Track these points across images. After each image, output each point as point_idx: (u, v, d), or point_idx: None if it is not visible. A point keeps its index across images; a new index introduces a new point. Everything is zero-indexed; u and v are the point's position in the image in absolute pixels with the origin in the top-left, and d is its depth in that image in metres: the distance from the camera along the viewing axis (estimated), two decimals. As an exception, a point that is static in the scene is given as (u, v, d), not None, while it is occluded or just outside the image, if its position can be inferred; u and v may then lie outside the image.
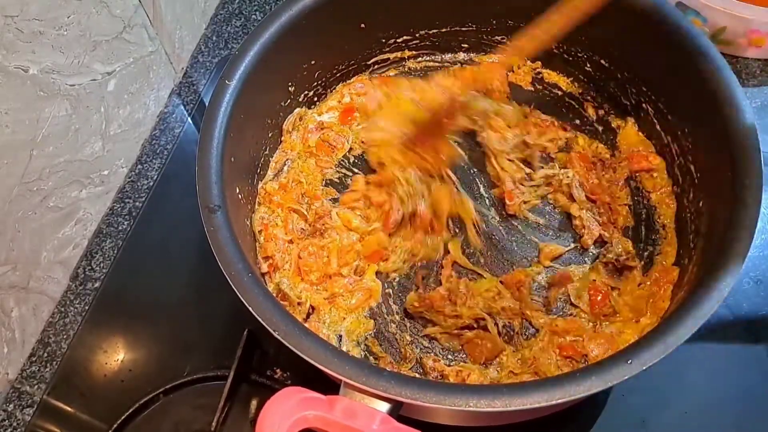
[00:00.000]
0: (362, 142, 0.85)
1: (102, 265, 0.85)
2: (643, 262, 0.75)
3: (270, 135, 0.81)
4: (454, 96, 0.76)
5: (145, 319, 0.80)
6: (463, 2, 0.85)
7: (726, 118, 0.65)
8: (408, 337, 0.73)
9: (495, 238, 0.79)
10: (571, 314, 0.74)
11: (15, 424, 0.75)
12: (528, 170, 0.82)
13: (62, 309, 0.82)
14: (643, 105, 0.81)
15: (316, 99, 0.87)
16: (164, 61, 0.95)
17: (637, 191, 0.81)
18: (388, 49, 0.89)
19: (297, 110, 0.84)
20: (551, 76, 0.90)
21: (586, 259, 0.78)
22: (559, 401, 0.51)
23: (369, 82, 0.89)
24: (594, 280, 0.74)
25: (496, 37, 0.89)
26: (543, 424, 0.66)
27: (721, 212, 0.64)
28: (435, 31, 0.88)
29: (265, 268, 0.74)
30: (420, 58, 0.91)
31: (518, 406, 0.51)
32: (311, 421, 0.52)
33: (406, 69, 0.92)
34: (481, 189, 0.83)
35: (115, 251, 0.86)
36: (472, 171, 0.84)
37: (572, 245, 0.78)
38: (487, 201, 0.82)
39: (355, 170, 0.84)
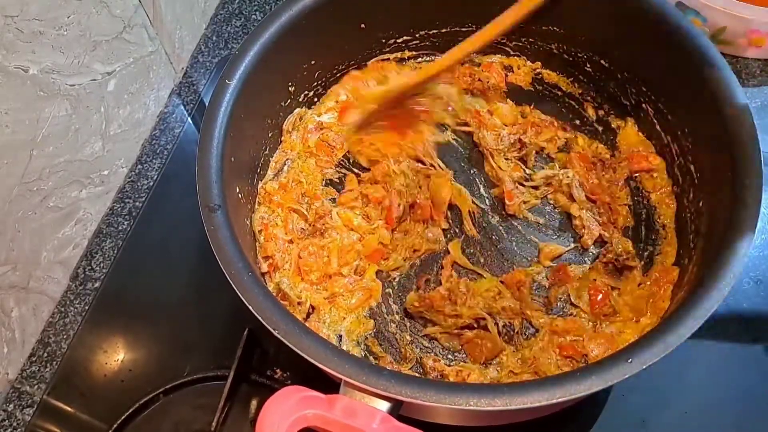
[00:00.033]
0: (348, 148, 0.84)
1: (102, 265, 0.85)
2: (643, 262, 0.75)
3: (270, 135, 0.81)
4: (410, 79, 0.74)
5: (145, 319, 0.80)
6: (463, 2, 0.85)
7: (726, 118, 0.65)
8: (408, 337, 0.73)
9: (495, 238, 0.80)
10: (571, 314, 0.74)
11: (15, 424, 0.75)
12: (528, 171, 0.82)
13: (62, 309, 0.82)
14: (643, 105, 0.81)
15: (316, 99, 0.87)
16: (164, 61, 0.95)
17: (637, 191, 0.81)
18: (388, 49, 0.89)
19: (297, 110, 0.84)
20: (551, 76, 0.90)
21: (586, 259, 0.78)
22: (560, 400, 0.51)
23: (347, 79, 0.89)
24: (594, 280, 0.74)
25: (496, 37, 0.89)
26: (543, 423, 0.66)
27: (721, 212, 0.64)
28: (435, 31, 0.88)
29: (265, 267, 0.74)
30: (420, 59, 0.91)
31: (519, 405, 0.51)
32: (311, 420, 0.52)
33: (406, 69, 0.92)
34: (481, 189, 0.83)
35: (115, 251, 0.86)
36: (471, 171, 0.84)
37: (572, 245, 0.78)
38: (486, 201, 0.82)
39: (355, 170, 0.84)
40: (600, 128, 0.86)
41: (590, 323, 0.72)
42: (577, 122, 0.87)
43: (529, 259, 0.78)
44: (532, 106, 0.87)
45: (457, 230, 0.80)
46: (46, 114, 0.74)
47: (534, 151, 0.83)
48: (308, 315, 0.73)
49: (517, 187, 0.82)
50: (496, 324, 0.71)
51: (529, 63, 0.90)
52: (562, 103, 0.88)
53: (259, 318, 0.56)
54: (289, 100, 0.83)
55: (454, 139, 0.87)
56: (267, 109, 0.80)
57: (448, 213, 0.80)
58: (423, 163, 0.83)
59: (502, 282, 0.75)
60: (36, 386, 0.77)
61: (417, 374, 0.71)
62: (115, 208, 0.89)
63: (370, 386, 0.52)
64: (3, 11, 0.64)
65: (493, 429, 0.68)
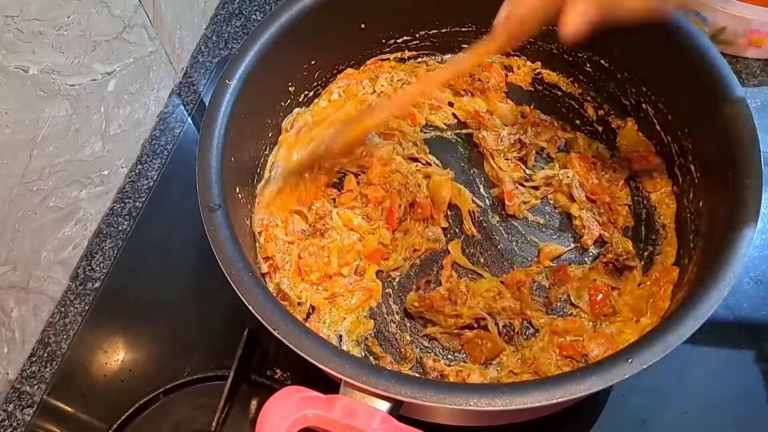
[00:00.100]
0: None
1: (102, 265, 0.85)
2: (643, 262, 0.75)
3: (270, 135, 0.81)
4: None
5: (145, 319, 0.80)
6: (463, 2, 0.85)
7: (726, 118, 0.65)
8: (408, 337, 0.73)
9: (495, 238, 0.79)
10: (571, 314, 0.74)
11: (15, 424, 0.75)
12: (528, 171, 0.83)
13: (62, 309, 0.82)
14: (643, 105, 0.81)
15: (316, 99, 0.87)
16: (164, 61, 0.95)
17: (637, 191, 0.81)
18: (388, 49, 0.89)
19: (297, 110, 0.84)
20: (551, 76, 0.90)
21: (586, 259, 0.78)
22: (560, 400, 0.51)
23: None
24: (594, 280, 0.74)
25: (496, 38, 0.89)
26: (543, 423, 0.66)
27: (721, 212, 0.64)
28: (435, 31, 0.88)
29: (265, 268, 0.74)
30: (420, 59, 0.91)
31: (519, 405, 0.51)
32: (311, 420, 0.52)
33: (406, 69, 0.92)
34: (481, 189, 0.83)
35: (115, 251, 0.86)
36: (471, 171, 0.84)
37: (572, 245, 0.78)
38: (486, 201, 0.82)
39: (353, 171, 0.84)
40: (600, 128, 0.86)
41: (590, 323, 0.72)
42: (577, 122, 0.87)
43: (529, 259, 0.78)
44: (532, 106, 0.87)
45: (457, 230, 0.80)
46: (46, 114, 0.73)
47: (534, 151, 0.83)
48: (308, 315, 0.73)
49: (517, 187, 0.82)
50: (496, 324, 0.71)
51: (529, 63, 0.90)
52: (562, 103, 0.88)
53: (259, 318, 0.56)
54: (289, 100, 0.83)
55: (454, 139, 0.87)
56: (267, 109, 0.80)
57: (448, 213, 0.80)
58: (419, 161, 0.83)
59: (502, 282, 0.75)
60: (36, 386, 0.77)
61: (417, 374, 0.71)
62: (115, 208, 0.89)
63: (370, 386, 0.52)
64: (3, 11, 0.64)
65: (493, 429, 0.68)
